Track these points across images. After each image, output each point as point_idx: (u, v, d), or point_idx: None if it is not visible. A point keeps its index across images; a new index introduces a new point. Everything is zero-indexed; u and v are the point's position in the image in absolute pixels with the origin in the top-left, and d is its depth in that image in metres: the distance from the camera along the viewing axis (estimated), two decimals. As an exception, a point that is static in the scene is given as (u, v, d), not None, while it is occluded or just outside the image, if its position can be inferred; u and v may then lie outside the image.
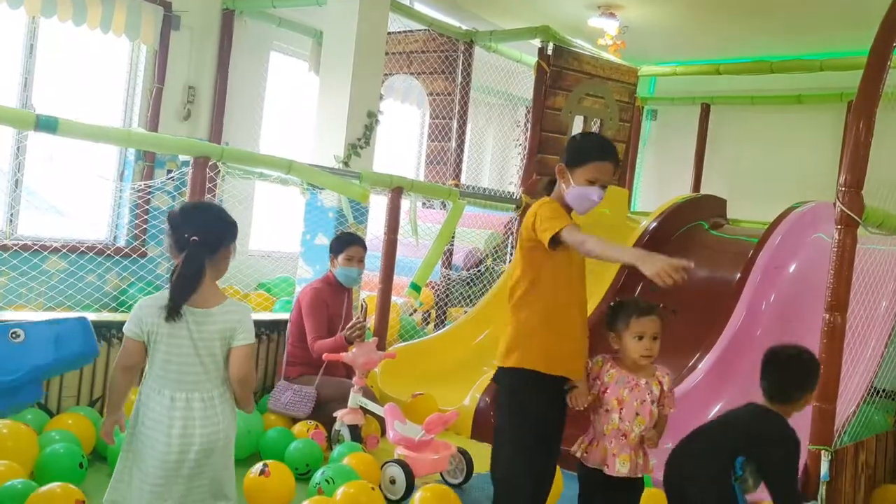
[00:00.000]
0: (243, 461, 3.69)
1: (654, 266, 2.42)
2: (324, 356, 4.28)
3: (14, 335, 2.77)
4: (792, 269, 5.61)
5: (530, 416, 2.85)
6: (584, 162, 2.83)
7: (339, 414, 4.21)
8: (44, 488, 2.93)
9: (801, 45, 8.31)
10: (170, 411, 2.36)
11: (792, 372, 2.99)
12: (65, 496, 2.91)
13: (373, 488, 3.31)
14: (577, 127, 7.37)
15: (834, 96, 8.53)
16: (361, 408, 4.25)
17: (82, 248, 5.95)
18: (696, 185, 9.53)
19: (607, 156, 2.86)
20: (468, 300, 7.24)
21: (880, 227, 4.02)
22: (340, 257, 4.61)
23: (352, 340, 4.37)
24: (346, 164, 5.80)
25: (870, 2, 5.86)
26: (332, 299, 4.61)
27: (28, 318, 3.63)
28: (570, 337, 2.88)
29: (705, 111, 9.68)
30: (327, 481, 3.41)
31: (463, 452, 3.95)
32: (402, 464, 3.66)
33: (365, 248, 4.75)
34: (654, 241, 6.23)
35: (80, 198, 6.47)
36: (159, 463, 2.35)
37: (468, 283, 7.33)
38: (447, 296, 7.15)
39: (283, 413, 4.39)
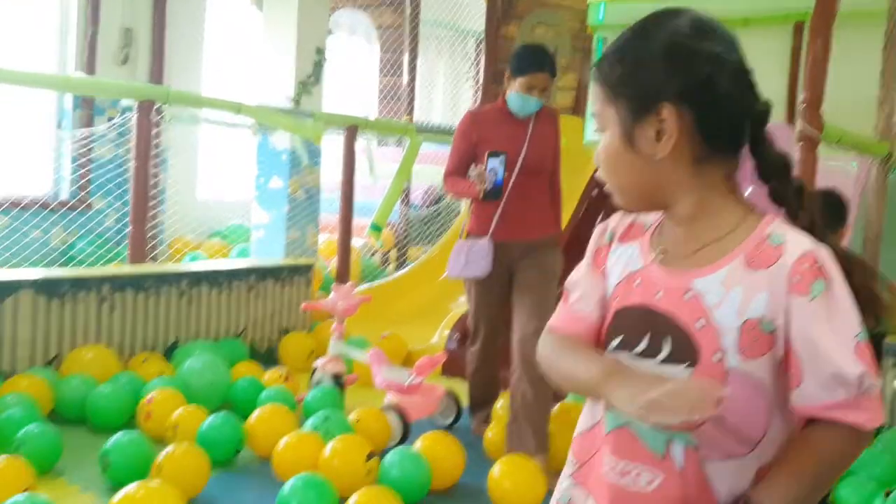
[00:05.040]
0: (214, 412, 3.59)
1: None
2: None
3: None
4: (747, 193, 5.64)
5: None
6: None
7: (318, 363, 4.05)
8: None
9: (750, -34, 8.25)
10: None
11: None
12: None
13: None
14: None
15: (780, 18, 8.51)
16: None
17: (24, 203, 5.70)
18: (648, 112, 9.49)
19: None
20: (428, 239, 7.17)
21: (839, 143, 4.04)
22: (518, 80, 3.48)
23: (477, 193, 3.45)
24: (297, 102, 5.61)
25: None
26: (496, 127, 3.56)
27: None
28: None
29: (655, 37, 9.58)
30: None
31: (451, 393, 3.87)
32: (398, 409, 3.53)
33: (554, 75, 3.54)
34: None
35: (18, 151, 6.18)
36: None
37: (427, 222, 7.25)
38: (407, 235, 7.07)
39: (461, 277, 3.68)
